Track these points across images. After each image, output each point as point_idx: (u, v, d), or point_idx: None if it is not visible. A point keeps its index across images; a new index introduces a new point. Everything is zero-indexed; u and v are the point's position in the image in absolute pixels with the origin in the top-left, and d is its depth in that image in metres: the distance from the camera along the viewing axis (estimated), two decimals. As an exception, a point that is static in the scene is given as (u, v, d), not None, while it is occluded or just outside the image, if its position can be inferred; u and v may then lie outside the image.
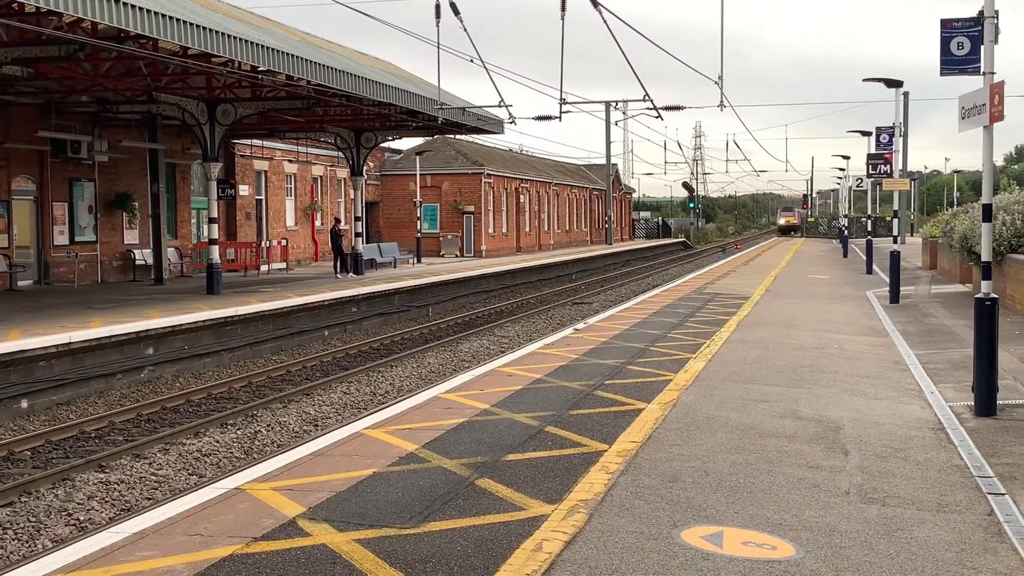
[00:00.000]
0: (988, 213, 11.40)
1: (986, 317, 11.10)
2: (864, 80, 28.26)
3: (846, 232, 63.54)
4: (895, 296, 25.10)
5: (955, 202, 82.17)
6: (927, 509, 7.41)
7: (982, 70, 11.20)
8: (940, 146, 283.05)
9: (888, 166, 30.37)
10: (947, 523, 7.09)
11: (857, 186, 55.41)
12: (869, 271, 37.42)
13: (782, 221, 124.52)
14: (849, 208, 73.99)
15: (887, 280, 27.49)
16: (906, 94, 56.02)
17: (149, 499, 11.78)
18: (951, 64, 12.30)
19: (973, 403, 11.26)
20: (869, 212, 49.43)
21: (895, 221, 28.94)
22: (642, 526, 6.85)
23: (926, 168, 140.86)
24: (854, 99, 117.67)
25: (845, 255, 52.64)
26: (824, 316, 21.33)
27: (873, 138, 35.40)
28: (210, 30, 19.96)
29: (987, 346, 11.10)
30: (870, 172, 31.45)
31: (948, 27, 12.27)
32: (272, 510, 7.16)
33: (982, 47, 11.21)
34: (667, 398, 11.41)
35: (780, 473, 8.27)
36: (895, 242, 27.58)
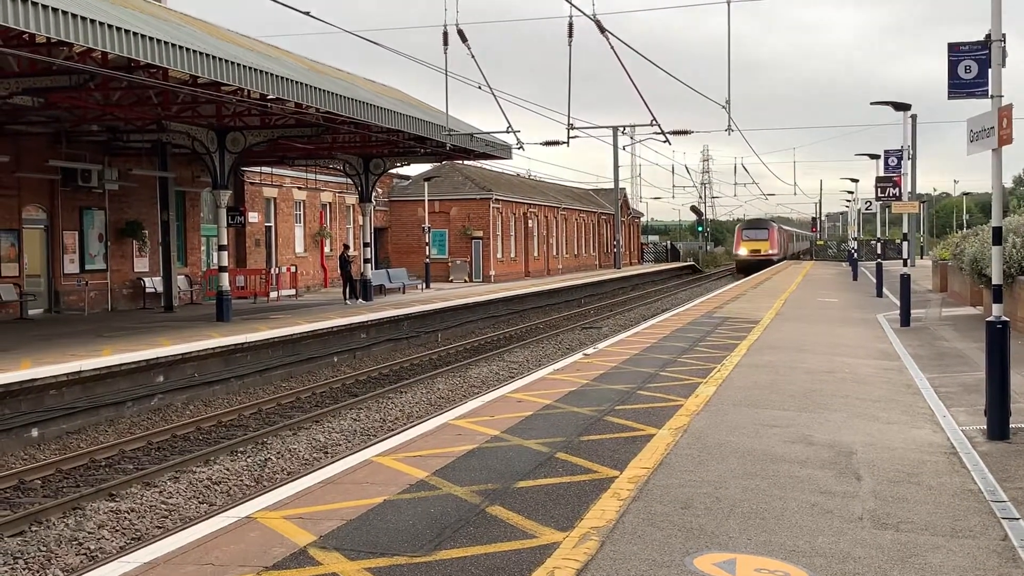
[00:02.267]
0: (998, 236, 11.37)
1: (997, 340, 11.05)
2: (872, 103, 28.32)
3: (856, 255, 63.46)
4: (906, 319, 25.02)
5: (964, 224, 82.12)
6: (941, 534, 7.36)
7: (990, 93, 11.21)
8: (949, 168, 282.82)
9: (897, 189, 30.38)
10: (961, 548, 7.04)
11: (866, 209, 55.40)
12: (879, 294, 37.33)
13: (743, 251, 77.03)
14: (858, 231, 73.92)
15: (897, 303, 27.41)
16: (914, 117, 56.07)
17: (160, 528, 11.76)
18: (959, 87, 12.32)
19: (986, 427, 11.20)
20: (879, 235, 49.42)
21: (905, 244, 28.89)
22: (654, 553, 6.81)
23: (935, 190, 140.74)
24: (862, 122, 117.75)
25: (855, 278, 52.51)
26: (835, 340, 21.26)
27: (881, 161, 35.42)
28: (220, 59, 20.08)
29: (999, 369, 11.04)
30: (879, 195, 31.48)
31: (956, 51, 12.29)
32: (283, 539, 7.14)
33: (990, 70, 11.22)
34: (678, 423, 11.37)
35: (793, 499, 8.22)
36: (905, 265, 27.50)
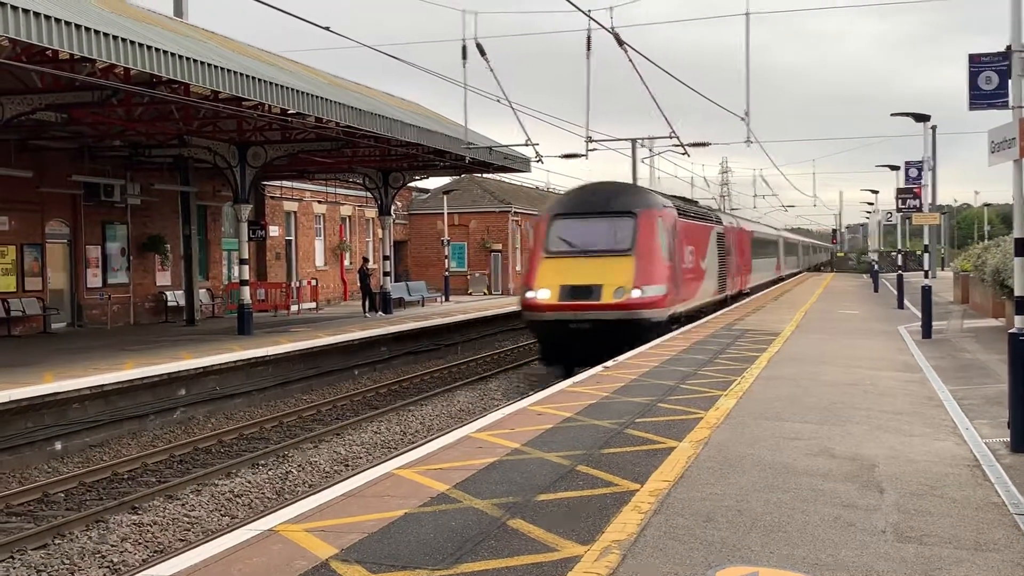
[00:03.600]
0: (1021, 247, 11.30)
1: (1020, 352, 10.98)
2: (892, 115, 28.23)
3: (876, 266, 63.19)
4: (927, 331, 24.88)
5: (986, 235, 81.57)
6: (965, 548, 7.32)
7: (1011, 104, 11.16)
8: (970, 178, 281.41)
9: (917, 200, 30.25)
10: (985, 562, 7.00)
11: (887, 220, 55.18)
12: (900, 306, 37.15)
13: (542, 294, 22.90)
14: (879, 242, 73.61)
15: (919, 315, 27.27)
16: (934, 128, 55.94)
17: (182, 541, 11.81)
18: (980, 98, 12.28)
19: (1009, 439, 11.12)
20: (899, 246, 49.18)
21: (926, 255, 28.74)
22: (676, 567, 6.80)
23: (956, 201, 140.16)
24: (882, 133, 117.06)
25: (876, 290, 52.30)
26: (856, 352, 21.17)
27: (902, 172, 35.31)
28: (241, 74, 20.22)
29: (1022, 381, 10.97)
30: (899, 207, 31.33)
31: (976, 61, 12.25)
32: (305, 551, 7.16)
33: (1010, 81, 11.18)
34: (699, 436, 11.35)
35: (815, 512, 8.19)
36: (926, 276, 27.35)
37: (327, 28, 17.31)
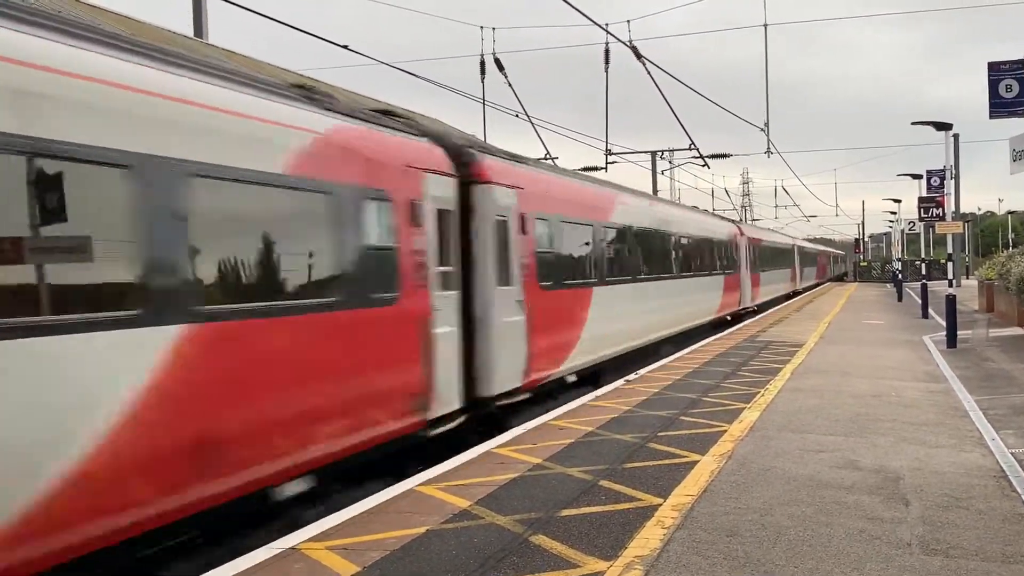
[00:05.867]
0: (1044, 255, 11.20)
1: (1046, 361, 10.87)
2: (913, 123, 28.01)
3: (900, 276, 62.78)
4: (952, 340, 24.68)
5: (1011, 243, 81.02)
6: (992, 560, 7.23)
7: (1032, 112, 11.10)
8: (993, 186, 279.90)
9: (940, 209, 30.11)
10: (1013, 574, 6.91)
11: (910, 229, 54.87)
12: (925, 315, 36.89)
13: None
14: (902, 251, 73.19)
15: (943, 324, 27.07)
16: (956, 136, 55.62)
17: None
18: (1000, 107, 12.23)
19: (1036, 450, 11.01)
20: (923, 255, 48.90)
21: (950, 264, 28.53)
22: (699, 582, 6.75)
23: (979, 209, 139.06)
24: (903, 142, 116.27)
25: (900, 299, 51.97)
26: (880, 363, 21.03)
27: (924, 181, 35.16)
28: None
29: (1049, 391, 10.86)
30: (922, 216, 31.22)
31: (996, 70, 12.20)
32: (327, 570, 7.16)
33: (1031, 89, 11.12)
34: (722, 450, 11.29)
35: (840, 525, 8.13)
36: (950, 285, 27.15)
37: (345, 46, 17.39)
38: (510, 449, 11.69)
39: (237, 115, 8.65)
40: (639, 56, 24.15)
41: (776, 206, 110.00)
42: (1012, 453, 11.22)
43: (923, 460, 10.80)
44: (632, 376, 18.80)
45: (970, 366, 20.29)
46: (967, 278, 65.98)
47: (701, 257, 30.46)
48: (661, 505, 8.78)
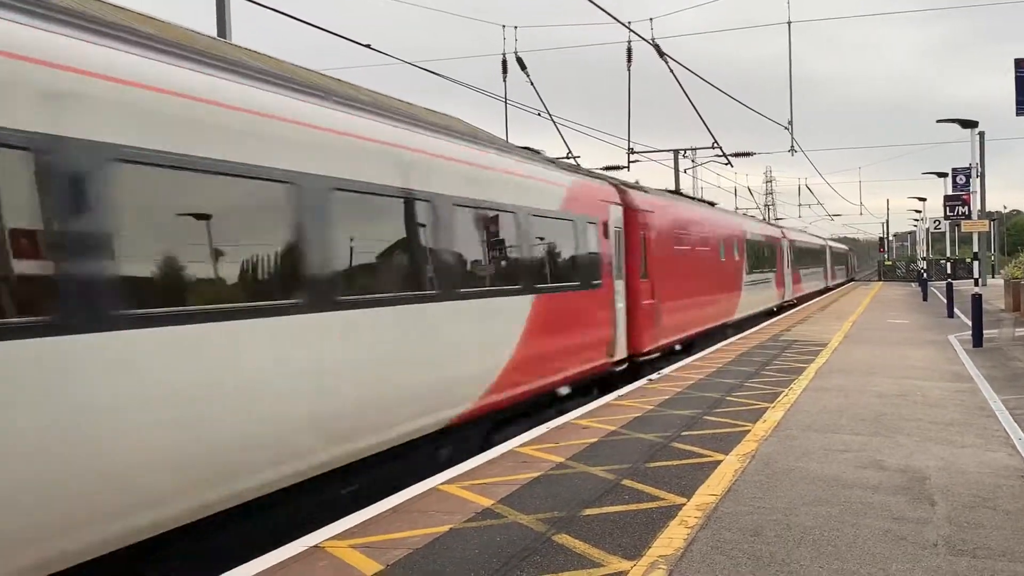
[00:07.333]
0: (1072, 254, 11.10)
1: (1074, 361, 10.77)
2: (938, 121, 27.82)
3: (925, 275, 62.38)
4: (978, 340, 24.50)
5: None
6: (1019, 560, 7.17)
7: (1060, 109, 10.99)
8: (1020, 184, 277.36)
9: (966, 207, 29.89)
10: (1042, 576, 6.85)
11: (935, 228, 54.51)
12: (950, 315, 36.63)
13: None
14: (927, 250, 72.69)
15: (969, 323, 26.87)
16: (982, 134, 55.17)
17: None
18: (1027, 103, 12.10)
19: (1064, 450, 10.91)
20: (948, 254, 48.55)
21: (975, 263, 28.31)
22: (723, 582, 6.73)
23: (1005, 208, 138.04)
24: (928, 140, 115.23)
25: (925, 299, 51.61)
26: (905, 362, 20.90)
27: (949, 179, 34.90)
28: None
29: (1077, 390, 10.76)
30: (948, 214, 31.00)
31: (1022, 67, 12.09)
32: (351, 568, 7.17)
33: (1059, 85, 11.01)
34: (746, 449, 11.24)
35: (865, 525, 8.08)
36: (976, 284, 26.95)
37: (368, 46, 17.42)
38: (532, 448, 11.69)
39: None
40: (662, 54, 24.07)
41: (799, 204, 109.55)
42: (1039, 453, 11.12)
43: (949, 460, 10.72)
44: (655, 375, 18.76)
45: (996, 365, 20.13)
46: (993, 277, 65.53)
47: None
48: (684, 505, 8.75)
